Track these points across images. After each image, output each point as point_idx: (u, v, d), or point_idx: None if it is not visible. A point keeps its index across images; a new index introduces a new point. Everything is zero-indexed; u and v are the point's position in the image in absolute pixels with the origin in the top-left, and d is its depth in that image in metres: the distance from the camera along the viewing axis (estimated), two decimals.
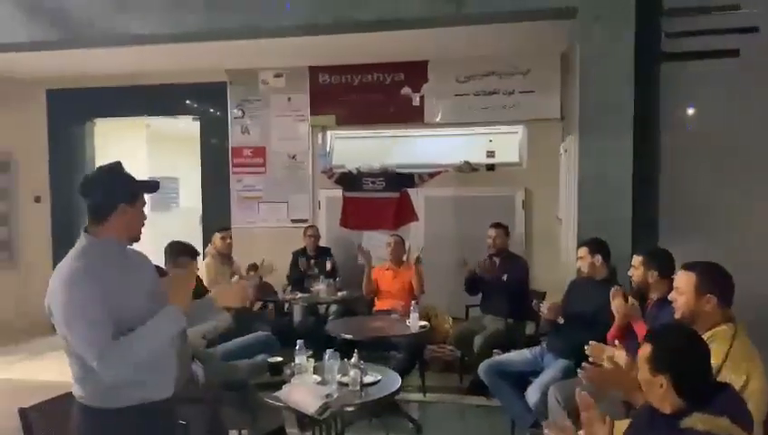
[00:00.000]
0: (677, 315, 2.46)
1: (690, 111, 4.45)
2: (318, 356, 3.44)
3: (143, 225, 2.18)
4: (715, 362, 2.22)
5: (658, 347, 1.91)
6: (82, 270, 1.98)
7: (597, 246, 3.81)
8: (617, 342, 2.85)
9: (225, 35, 4.93)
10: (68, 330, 1.96)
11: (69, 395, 2.12)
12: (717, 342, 2.33)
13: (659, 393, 1.89)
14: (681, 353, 1.90)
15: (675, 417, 1.84)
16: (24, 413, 2.37)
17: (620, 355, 2.53)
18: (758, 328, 2.51)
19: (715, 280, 2.41)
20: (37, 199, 7.24)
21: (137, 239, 2.19)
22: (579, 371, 2.41)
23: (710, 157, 4.29)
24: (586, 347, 2.75)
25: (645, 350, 1.94)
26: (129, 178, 2.15)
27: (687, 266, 2.50)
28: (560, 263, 5.54)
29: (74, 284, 1.95)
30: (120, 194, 2.08)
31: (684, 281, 2.45)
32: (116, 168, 2.15)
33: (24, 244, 7.30)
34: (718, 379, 2.14)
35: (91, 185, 2.09)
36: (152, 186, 2.23)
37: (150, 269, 2.27)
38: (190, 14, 4.62)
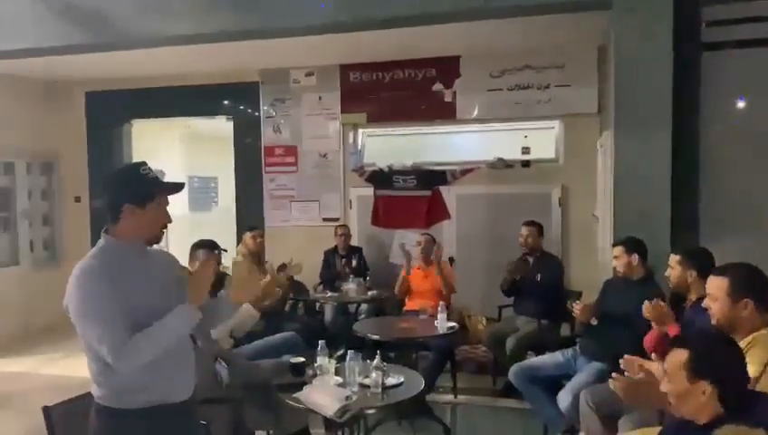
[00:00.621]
0: (713, 322, 2.34)
1: (733, 104, 4.22)
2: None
3: (162, 226, 2.11)
4: (755, 368, 2.10)
5: (698, 353, 1.79)
6: (96, 268, 1.99)
7: (633, 244, 3.66)
8: (653, 355, 2.71)
9: (257, 35, 4.94)
10: (82, 327, 1.97)
11: (90, 395, 2.12)
12: (758, 347, 2.21)
13: (700, 401, 1.77)
14: (724, 358, 1.80)
15: (706, 428, 1.73)
16: (47, 411, 2.40)
17: (656, 368, 2.40)
18: None
19: (748, 283, 2.28)
20: (77, 199, 7.41)
21: (156, 241, 2.15)
22: (610, 380, 2.29)
23: (754, 152, 4.09)
24: (621, 361, 2.57)
25: (680, 356, 1.81)
26: (142, 179, 2.05)
27: (718, 270, 2.38)
28: (597, 262, 5.37)
29: (86, 281, 1.97)
30: (125, 195, 2.02)
31: (715, 286, 2.32)
32: (134, 168, 2.11)
33: (65, 243, 7.48)
34: (758, 387, 2.02)
35: (103, 185, 2.09)
36: (174, 187, 2.15)
37: (174, 268, 2.23)
38: (223, 14, 4.66)
